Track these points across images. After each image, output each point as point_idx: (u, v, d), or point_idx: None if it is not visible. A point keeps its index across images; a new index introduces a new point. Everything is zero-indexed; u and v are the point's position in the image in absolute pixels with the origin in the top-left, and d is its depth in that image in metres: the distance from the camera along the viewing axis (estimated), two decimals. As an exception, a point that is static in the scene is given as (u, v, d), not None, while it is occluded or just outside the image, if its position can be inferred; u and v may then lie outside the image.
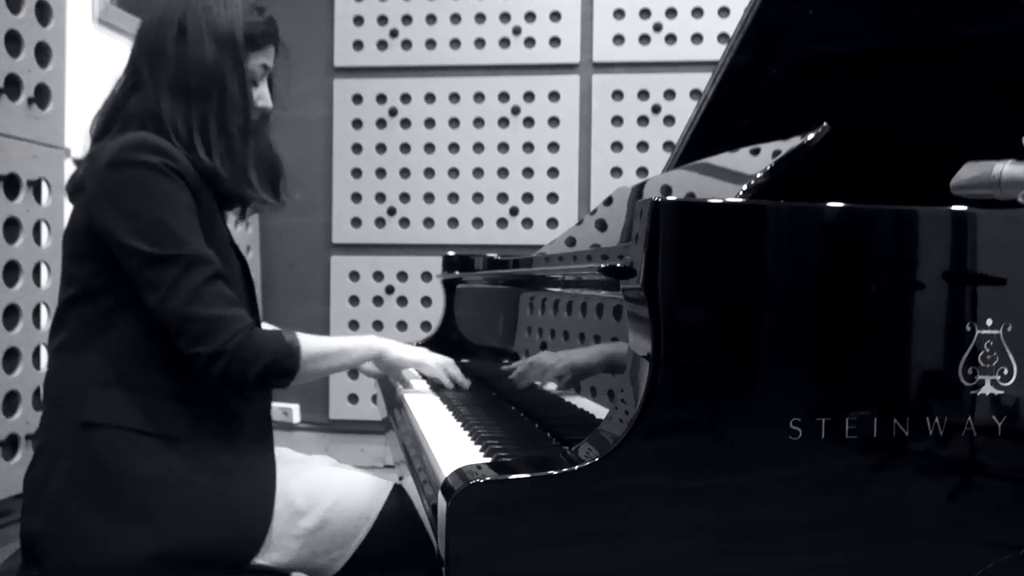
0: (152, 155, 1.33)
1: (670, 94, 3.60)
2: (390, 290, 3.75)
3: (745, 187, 1.31)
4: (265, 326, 1.50)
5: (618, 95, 3.62)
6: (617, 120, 3.62)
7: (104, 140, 1.41)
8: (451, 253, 2.37)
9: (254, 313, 1.52)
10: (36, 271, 2.29)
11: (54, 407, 1.39)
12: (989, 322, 1.06)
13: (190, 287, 1.31)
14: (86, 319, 1.37)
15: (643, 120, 3.61)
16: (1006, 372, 1.06)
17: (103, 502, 1.31)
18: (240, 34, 1.43)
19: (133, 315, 1.35)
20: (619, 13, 3.62)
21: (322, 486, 1.41)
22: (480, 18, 3.70)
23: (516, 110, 3.68)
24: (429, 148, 3.73)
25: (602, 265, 1.11)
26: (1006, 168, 1.12)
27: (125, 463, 1.32)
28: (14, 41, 2.21)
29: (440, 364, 1.75)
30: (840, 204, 1.06)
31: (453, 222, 3.72)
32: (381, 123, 3.74)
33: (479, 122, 3.71)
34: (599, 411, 1.24)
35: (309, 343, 1.44)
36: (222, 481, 1.35)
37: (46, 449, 1.38)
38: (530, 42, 3.68)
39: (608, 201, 1.92)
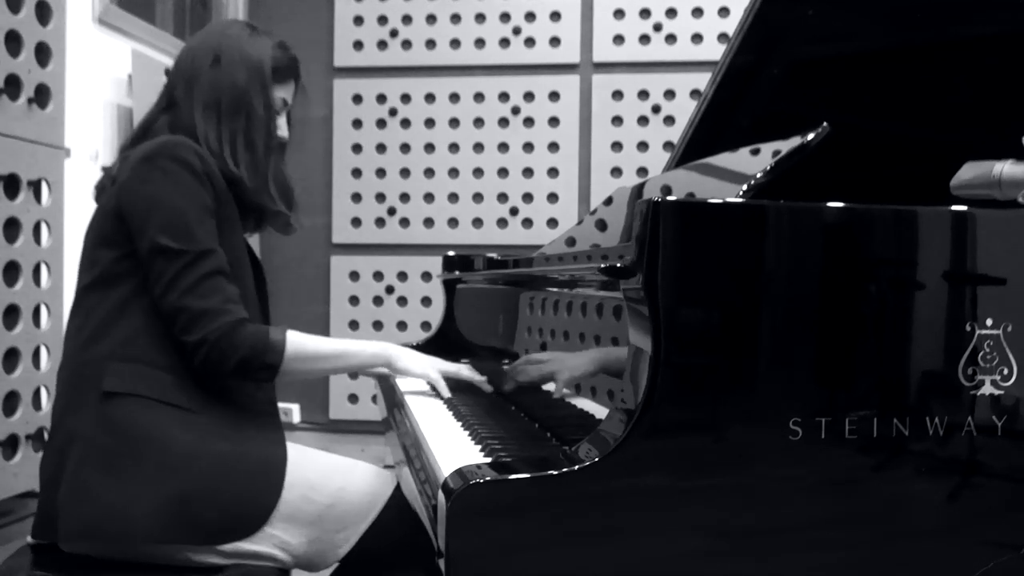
0: (186, 153, 1.46)
1: (670, 94, 3.59)
2: (390, 290, 3.75)
3: (745, 187, 1.31)
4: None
5: (618, 95, 3.62)
6: (617, 120, 3.62)
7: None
8: (451, 253, 2.37)
9: (264, 315, 1.63)
10: (36, 271, 2.29)
11: (72, 384, 1.46)
12: (989, 322, 1.06)
13: (189, 281, 1.41)
14: (105, 304, 1.46)
15: (643, 120, 3.61)
16: (1006, 372, 1.06)
17: (120, 466, 1.37)
18: (268, 65, 1.59)
19: (148, 300, 1.45)
20: (619, 13, 3.62)
21: (335, 467, 1.49)
22: (480, 18, 3.70)
23: (516, 110, 3.68)
24: (429, 148, 3.72)
25: (602, 265, 1.11)
26: (1006, 168, 1.12)
27: (142, 428, 1.39)
28: (14, 41, 2.21)
29: (450, 373, 1.73)
30: (840, 204, 1.06)
31: (453, 222, 3.72)
32: (381, 123, 3.74)
33: (479, 122, 3.70)
34: (599, 411, 1.24)
35: (302, 343, 1.49)
36: (236, 448, 1.42)
37: (64, 424, 1.44)
38: (530, 42, 3.67)
39: (608, 201, 1.92)
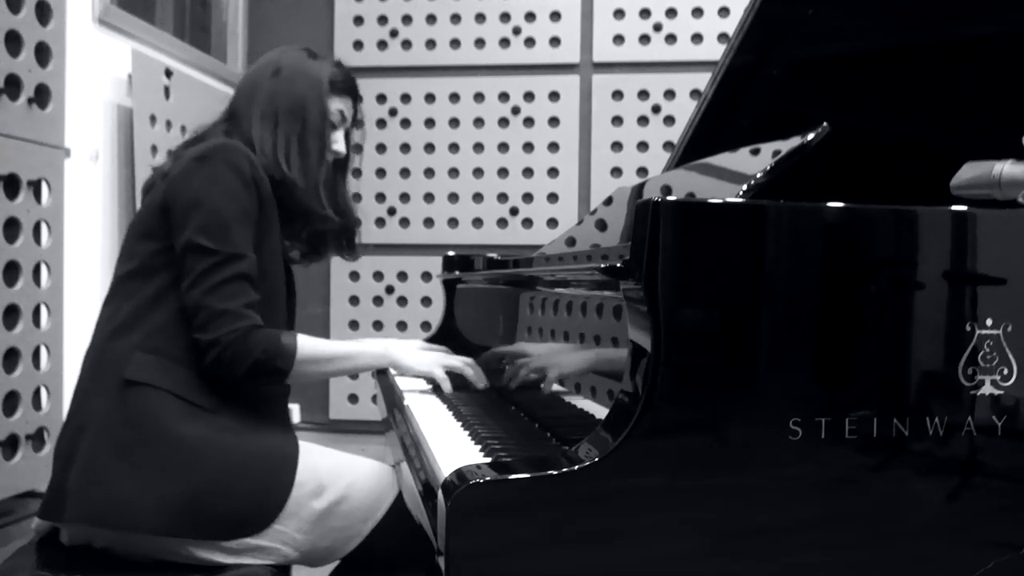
0: (237, 157, 1.50)
1: (670, 94, 3.59)
2: (390, 290, 3.75)
3: (745, 187, 1.31)
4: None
5: (618, 95, 3.62)
6: (617, 120, 3.62)
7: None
8: (451, 253, 2.37)
9: (290, 321, 1.68)
10: (36, 271, 2.29)
11: (95, 369, 1.49)
12: (989, 322, 1.06)
13: (215, 280, 1.44)
14: (140, 294, 1.50)
15: (643, 120, 3.61)
16: (1006, 372, 1.06)
17: (133, 455, 1.39)
18: (325, 78, 1.67)
19: (179, 295, 1.48)
20: (619, 13, 3.62)
21: (345, 464, 1.53)
22: (480, 18, 3.70)
23: (516, 110, 3.67)
24: (429, 148, 3.73)
25: (602, 265, 1.11)
26: (1006, 168, 1.12)
27: (157, 420, 1.41)
28: (14, 41, 2.21)
29: (454, 368, 1.73)
30: (840, 204, 1.06)
31: (453, 222, 3.72)
32: (381, 123, 3.74)
33: (479, 122, 3.70)
34: (599, 411, 1.24)
35: (311, 347, 1.50)
36: (247, 445, 1.44)
37: (83, 408, 1.47)
38: (530, 42, 3.67)
39: (608, 201, 1.92)
